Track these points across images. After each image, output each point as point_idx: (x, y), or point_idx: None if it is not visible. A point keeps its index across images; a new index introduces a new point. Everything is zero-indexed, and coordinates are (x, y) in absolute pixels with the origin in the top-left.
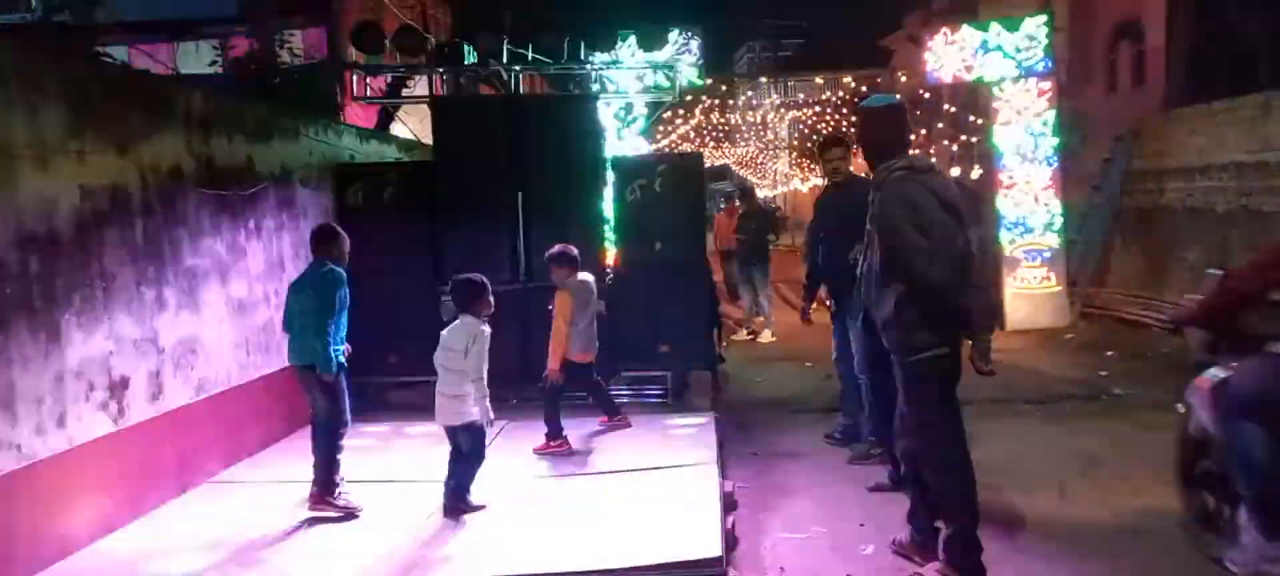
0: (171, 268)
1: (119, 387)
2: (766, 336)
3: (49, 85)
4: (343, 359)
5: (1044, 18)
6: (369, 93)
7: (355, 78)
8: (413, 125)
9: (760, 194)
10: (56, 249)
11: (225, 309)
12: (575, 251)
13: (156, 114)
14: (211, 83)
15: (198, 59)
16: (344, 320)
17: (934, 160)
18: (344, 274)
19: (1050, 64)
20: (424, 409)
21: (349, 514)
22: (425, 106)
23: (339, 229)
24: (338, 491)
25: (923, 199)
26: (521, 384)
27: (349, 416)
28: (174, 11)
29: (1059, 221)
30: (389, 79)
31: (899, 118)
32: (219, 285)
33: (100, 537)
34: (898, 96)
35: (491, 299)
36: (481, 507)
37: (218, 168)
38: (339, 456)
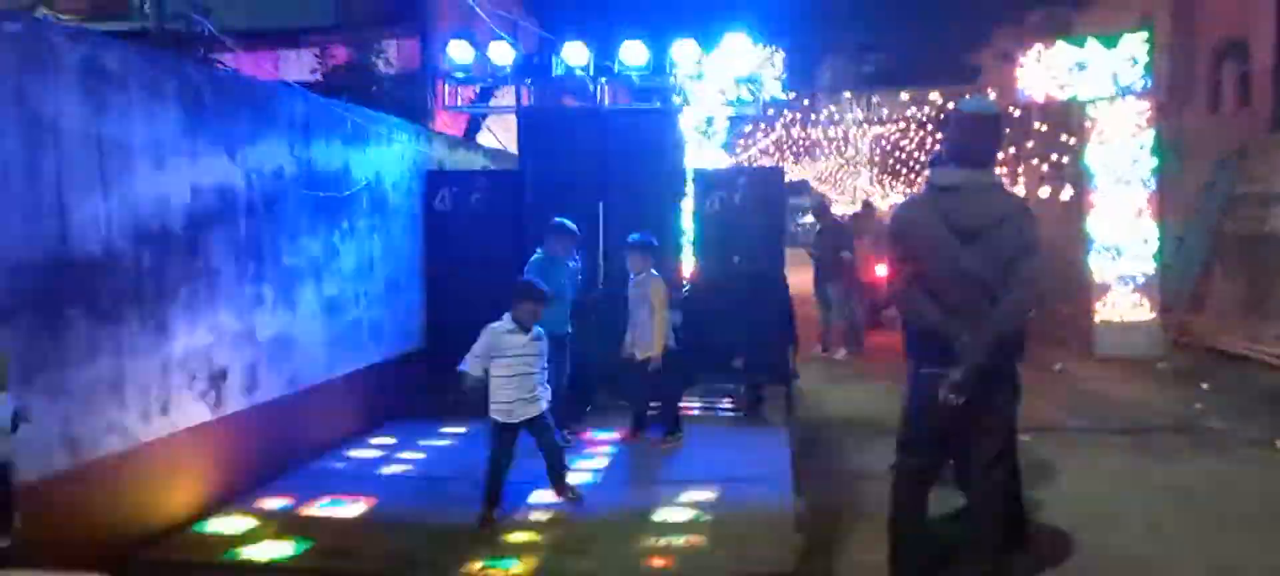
0: (270, 265)
1: (218, 378)
2: (841, 354)
3: (166, 88)
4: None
5: (1144, 35)
6: (459, 102)
7: (446, 87)
8: (500, 133)
9: (838, 210)
10: (167, 244)
11: (318, 306)
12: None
13: (262, 118)
14: (311, 89)
15: (299, 67)
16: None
17: (990, 177)
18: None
19: (1150, 82)
20: None
21: None
22: (512, 116)
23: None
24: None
25: (913, 221)
26: (610, 389)
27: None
28: (277, 22)
29: (1155, 246)
30: (478, 88)
31: (958, 128)
32: (313, 283)
33: (196, 520)
34: (987, 105)
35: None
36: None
37: (316, 170)
38: None
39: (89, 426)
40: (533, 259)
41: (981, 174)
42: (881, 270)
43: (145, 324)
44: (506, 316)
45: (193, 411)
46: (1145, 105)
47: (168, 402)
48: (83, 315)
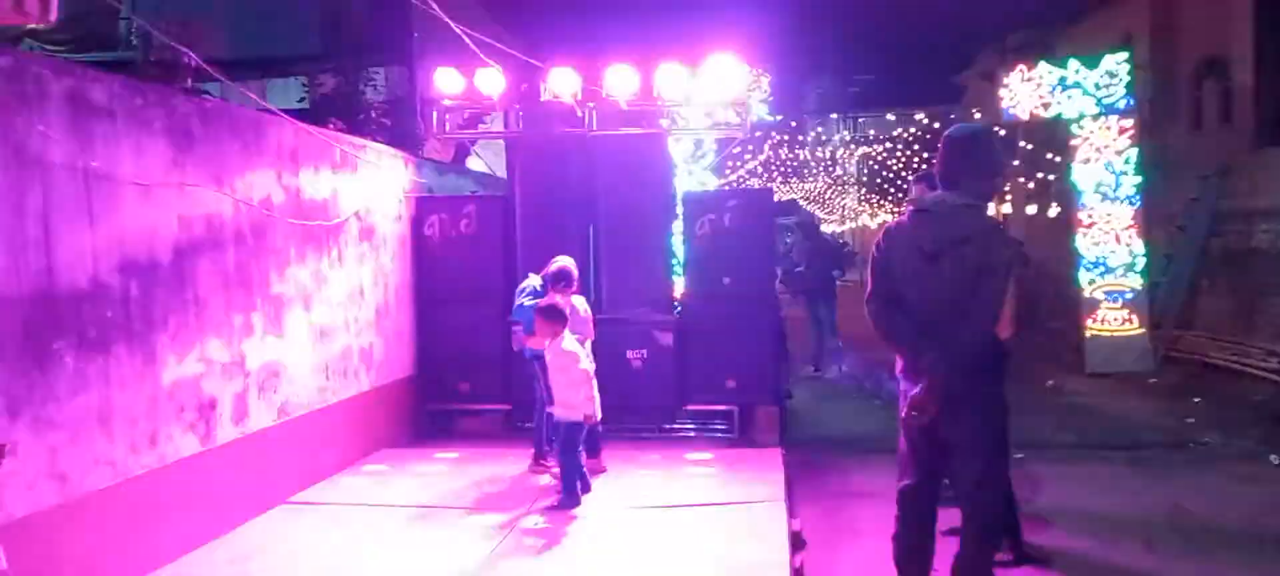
0: (259, 294)
1: (207, 409)
2: (833, 372)
3: (153, 118)
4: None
5: (1125, 54)
6: (448, 128)
7: (434, 113)
8: (488, 159)
9: (828, 229)
10: (155, 275)
11: (307, 335)
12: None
13: (250, 146)
14: (299, 118)
15: (286, 96)
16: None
17: (947, 199)
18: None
19: (1132, 101)
20: (493, 436)
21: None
22: (500, 141)
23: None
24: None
25: (891, 241)
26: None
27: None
28: (265, 50)
29: (1141, 262)
30: (467, 114)
31: (939, 151)
32: (302, 312)
33: (185, 553)
34: (961, 128)
35: None
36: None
37: (305, 198)
38: None
39: (77, 460)
40: (532, 285)
41: (954, 194)
42: None
43: (133, 355)
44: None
45: (182, 443)
46: (1128, 123)
47: (156, 434)
48: (70, 348)
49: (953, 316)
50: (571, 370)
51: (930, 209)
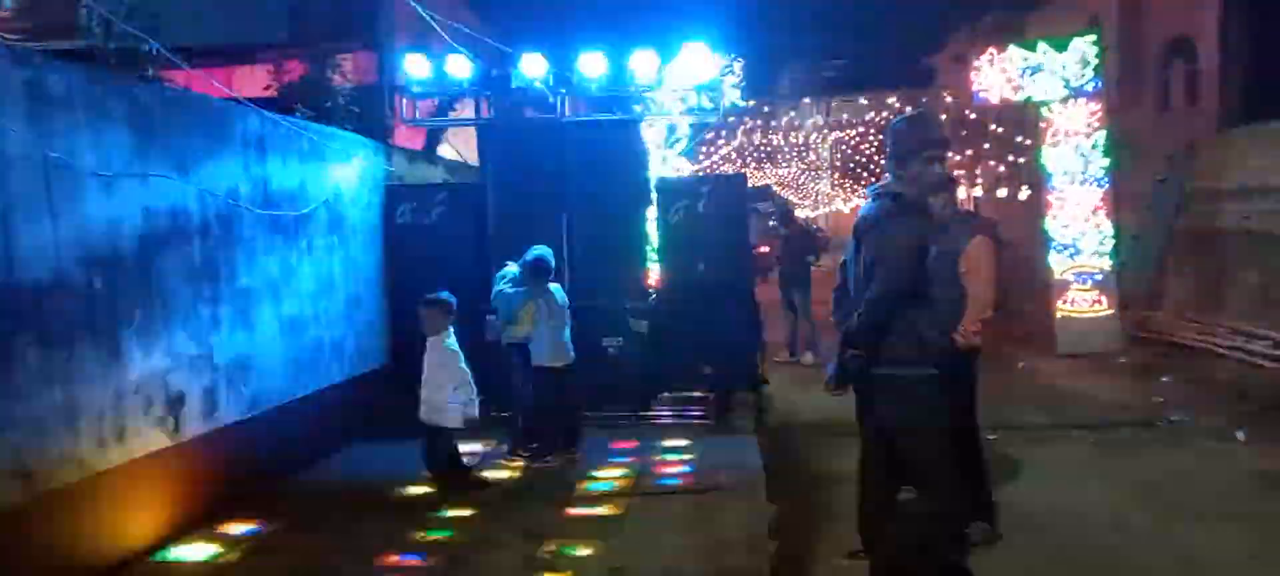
0: (227, 286)
1: (176, 403)
2: (808, 358)
3: (115, 108)
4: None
5: (1093, 37)
6: (418, 115)
7: (404, 100)
8: (459, 146)
9: (802, 214)
10: (119, 268)
11: (277, 327)
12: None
13: (215, 136)
14: (266, 106)
15: (253, 83)
16: None
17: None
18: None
19: (1099, 83)
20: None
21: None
22: (472, 129)
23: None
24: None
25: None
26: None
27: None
28: (229, 37)
29: (1110, 243)
30: (437, 101)
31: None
32: (272, 303)
33: (158, 549)
34: (898, 117)
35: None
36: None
37: (272, 188)
38: None
39: (42, 456)
40: (511, 273)
41: (883, 183)
42: None
43: (98, 350)
44: None
45: (150, 438)
46: (1096, 106)
47: (124, 429)
48: (32, 343)
49: (858, 302)
50: (451, 367)
51: (870, 196)
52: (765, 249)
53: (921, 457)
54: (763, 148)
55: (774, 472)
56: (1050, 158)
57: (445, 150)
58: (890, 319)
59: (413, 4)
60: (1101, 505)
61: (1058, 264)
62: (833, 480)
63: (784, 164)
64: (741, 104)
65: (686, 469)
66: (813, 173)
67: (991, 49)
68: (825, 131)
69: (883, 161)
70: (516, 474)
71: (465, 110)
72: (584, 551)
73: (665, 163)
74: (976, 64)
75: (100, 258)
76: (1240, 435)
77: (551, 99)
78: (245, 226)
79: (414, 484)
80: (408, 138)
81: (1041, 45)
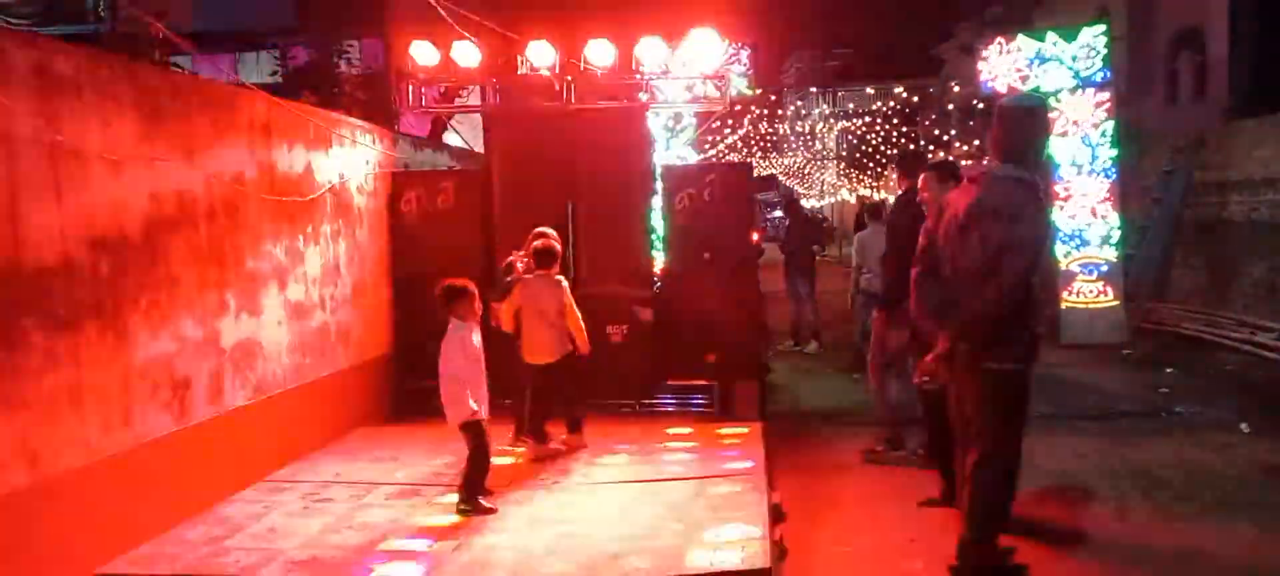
0: (233, 271)
1: (181, 388)
2: (812, 347)
3: (121, 92)
4: None
5: (1102, 27)
6: (424, 102)
7: (410, 87)
8: (465, 133)
9: (807, 204)
10: (126, 252)
11: (283, 313)
12: None
13: (222, 121)
14: (272, 92)
15: (258, 69)
16: None
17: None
18: None
19: (1108, 74)
20: None
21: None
22: (477, 116)
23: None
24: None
25: (936, 215)
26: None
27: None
28: (236, 23)
29: (1116, 234)
30: (443, 88)
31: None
32: (277, 289)
33: (160, 533)
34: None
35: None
36: (492, 510)
37: (278, 174)
38: None
39: (49, 440)
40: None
41: (1000, 167)
42: None
43: (105, 334)
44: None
45: (156, 422)
46: (1104, 96)
47: (130, 414)
48: (39, 326)
49: (970, 288)
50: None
51: (977, 179)
52: (755, 237)
53: (999, 422)
54: (769, 137)
55: (776, 459)
56: (1057, 148)
57: (451, 137)
58: (1012, 309)
59: None
60: (1106, 495)
61: (1063, 254)
62: (835, 467)
63: (790, 153)
64: (749, 92)
65: (689, 457)
66: (818, 162)
67: (999, 39)
68: (831, 121)
69: (890, 152)
70: (518, 460)
71: (471, 97)
72: (590, 536)
73: (671, 150)
74: (984, 54)
75: (107, 241)
76: (1245, 427)
77: (557, 86)
78: (252, 212)
79: (414, 469)
80: (414, 124)
81: (1050, 35)
